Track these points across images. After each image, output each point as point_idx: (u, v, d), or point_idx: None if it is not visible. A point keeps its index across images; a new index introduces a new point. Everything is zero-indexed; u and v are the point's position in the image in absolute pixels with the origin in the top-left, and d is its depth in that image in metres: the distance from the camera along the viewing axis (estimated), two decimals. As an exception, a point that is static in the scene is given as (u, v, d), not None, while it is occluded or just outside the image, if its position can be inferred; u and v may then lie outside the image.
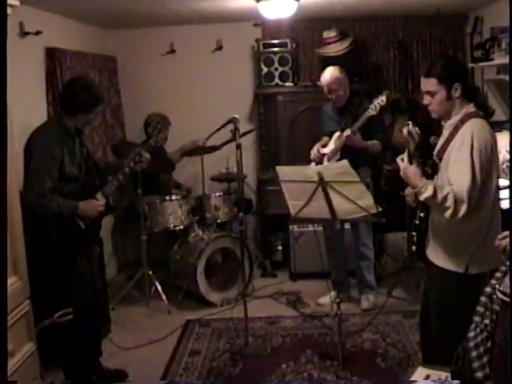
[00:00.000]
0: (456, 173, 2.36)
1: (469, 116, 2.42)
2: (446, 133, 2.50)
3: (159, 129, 3.64)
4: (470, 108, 2.45)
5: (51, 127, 3.10)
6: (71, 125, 3.09)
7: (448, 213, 2.34)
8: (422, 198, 2.40)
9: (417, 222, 2.61)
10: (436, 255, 2.56)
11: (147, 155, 3.47)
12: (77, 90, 3.06)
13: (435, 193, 2.34)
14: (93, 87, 3.16)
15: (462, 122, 2.41)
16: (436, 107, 2.47)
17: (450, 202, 2.32)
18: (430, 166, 2.52)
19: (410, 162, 2.43)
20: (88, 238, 3.20)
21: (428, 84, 2.45)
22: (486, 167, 2.35)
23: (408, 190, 2.66)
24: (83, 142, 3.26)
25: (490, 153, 2.35)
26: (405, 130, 2.48)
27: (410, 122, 2.51)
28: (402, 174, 2.47)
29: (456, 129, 2.42)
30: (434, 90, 2.43)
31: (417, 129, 2.52)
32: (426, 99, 2.49)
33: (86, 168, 3.21)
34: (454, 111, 2.46)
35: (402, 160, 2.47)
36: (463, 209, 2.32)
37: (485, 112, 2.49)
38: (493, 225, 2.45)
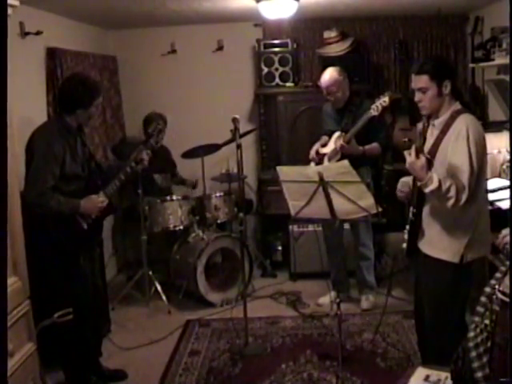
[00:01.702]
0: (456, 164, 2.46)
1: (458, 112, 2.53)
2: (435, 131, 2.59)
3: (159, 129, 3.65)
4: (457, 105, 2.57)
5: (52, 126, 3.11)
6: (73, 123, 3.09)
7: (450, 202, 2.44)
8: (427, 190, 2.47)
9: (412, 218, 2.65)
10: (431, 247, 2.63)
11: (147, 154, 3.46)
12: (73, 86, 3.06)
13: (440, 185, 2.42)
14: (88, 81, 3.16)
15: (452, 118, 2.52)
16: (427, 104, 2.57)
17: (452, 193, 2.42)
18: None
19: (417, 156, 2.47)
20: (90, 238, 3.21)
21: (420, 81, 2.55)
22: (481, 157, 2.47)
23: (401, 186, 2.72)
24: (85, 142, 3.26)
25: (482, 142, 2.49)
26: (420, 125, 2.55)
27: (424, 118, 2.61)
28: (408, 167, 2.53)
29: (447, 126, 2.52)
30: (426, 86, 2.54)
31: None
32: (418, 96, 2.59)
33: (88, 168, 3.22)
34: (442, 109, 2.56)
35: (410, 154, 2.52)
36: (464, 197, 2.42)
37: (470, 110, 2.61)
38: (483, 212, 2.59)
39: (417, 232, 2.67)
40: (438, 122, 2.58)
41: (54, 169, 2.95)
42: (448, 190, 2.42)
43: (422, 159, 2.46)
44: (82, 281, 3.12)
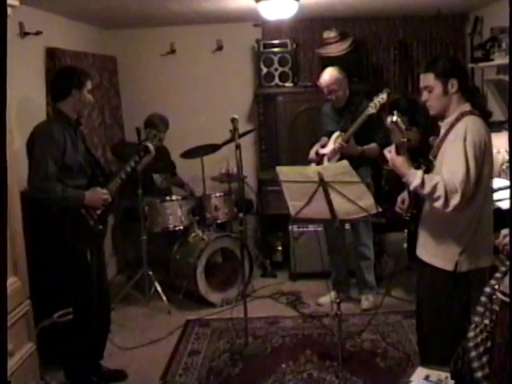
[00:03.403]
0: (449, 165, 2.39)
1: (464, 114, 2.46)
2: (442, 132, 2.54)
3: (154, 134, 3.75)
4: (466, 107, 2.49)
5: (52, 118, 3.16)
6: (70, 111, 3.10)
7: (439, 203, 2.34)
8: (411, 187, 2.42)
9: (407, 218, 2.63)
10: (426, 253, 2.59)
11: (151, 146, 3.55)
12: (61, 73, 3.25)
13: (423, 181, 2.36)
14: (74, 66, 3.40)
15: (457, 120, 2.45)
16: (434, 103, 2.51)
17: (440, 192, 2.33)
18: (425, 164, 2.54)
19: (398, 153, 2.45)
20: (97, 235, 3.22)
21: (425, 79, 2.51)
22: (479, 162, 2.37)
23: (399, 203, 2.69)
24: (85, 142, 3.28)
25: (483, 147, 2.38)
26: (388, 120, 2.48)
27: (394, 112, 2.51)
28: (391, 165, 2.51)
29: (451, 127, 2.46)
30: (431, 84, 2.48)
31: (403, 118, 2.49)
32: (424, 95, 2.54)
33: (89, 164, 3.23)
34: (450, 109, 2.50)
35: (390, 152, 2.49)
36: (455, 199, 2.32)
37: (482, 112, 2.51)
38: (482, 221, 2.46)
39: (414, 233, 2.64)
40: (445, 123, 2.52)
41: (55, 153, 2.97)
42: (434, 188, 2.33)
43: (402, 155, 2.43)
44: (90, 279, 3.14)
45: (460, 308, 2.47)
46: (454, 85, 2.46)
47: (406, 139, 2.46)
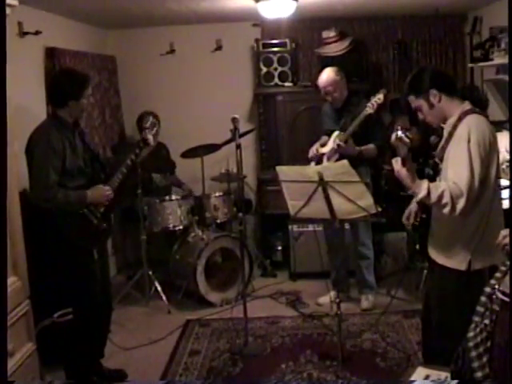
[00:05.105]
0: (454, 168, 2.39)
1: (465, 114, 2.45)
2: (445, 133, 2.53)
3: (153, 122, 3.68)
4: (466, 106, 2.49)
5: (48, 123, 3.13)
6: (67, 117, 3.09)
7: (446, 209, 2.35)
8: (417, 198, 2.43)
9: (416, 223, 2.63)
10: (438, 254, 2.58)
11: (150, 137, 3.50)
12: (61, 79, 3.15)
13: (429, 192, 2.36)
14: (75, 72, 3.25)
15: (459, 120, 2.45)
16: (429, 118, 2.55)
17: (446, 199, 2.33)
18: (430, 167, 2.54)
19: (404, 165, 2.45)
20: (101, 232, 3.22)
21: (412, 101, 2.58)
22: (485, 161, 2.37)
23: (405, 218, 2.68)
24: (84, 139, 3.27)
25: (488, 147, 2.38)
26: (393, 136, 2.48)
27: (398, 128, 2.51)
28: (396, 175, 2.50)
29: (454, 128, 2.45)
30: (417, 104, 2.54)
31: (408, 133, 2.48)
32: (419, 115, 2.59)
33: (90, 163, 3.23)
34: (449, 112, 2.50)
35: (397, 162, 2.49)
36: (461, 203, 2.33)
37: (481, 105, 2.52)
38: (492, 219, 2.45)
39: (425, 235, 2.63)
40: (447, 124, 2.51)
41: (55, 162, 2.97)
42: (440, 197, 2.33)
43: (407, 168, 2.42)
44: (94, 277, 3.14)
45: (469, 309, 2.45)
46: (435, 95, 2.48)
47: (410, 153, 2.47)
